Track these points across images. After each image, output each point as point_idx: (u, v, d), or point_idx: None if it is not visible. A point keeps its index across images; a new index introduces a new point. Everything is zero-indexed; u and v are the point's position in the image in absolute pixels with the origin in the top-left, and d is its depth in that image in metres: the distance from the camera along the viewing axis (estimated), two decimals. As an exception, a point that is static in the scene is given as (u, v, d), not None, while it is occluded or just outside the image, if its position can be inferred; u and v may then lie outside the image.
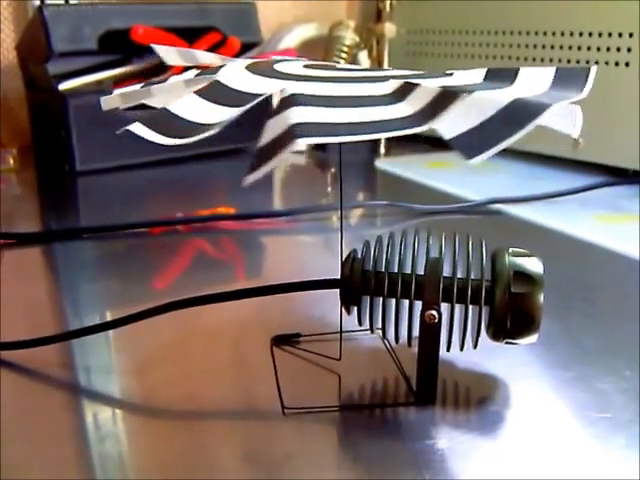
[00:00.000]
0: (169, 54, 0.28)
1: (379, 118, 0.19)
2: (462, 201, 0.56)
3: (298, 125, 0.18)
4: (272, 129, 0.18)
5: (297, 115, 0.18)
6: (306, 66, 0.25)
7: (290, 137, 0.17)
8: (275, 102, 0.20)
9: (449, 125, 0.18)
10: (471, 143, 0.17)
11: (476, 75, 0.23)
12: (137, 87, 0.25)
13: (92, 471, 0.23)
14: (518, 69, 0.23)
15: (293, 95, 0.20)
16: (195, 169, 0.71)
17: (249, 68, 0.25)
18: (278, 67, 0.25)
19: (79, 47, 0.67)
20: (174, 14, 0.72)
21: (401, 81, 0.21)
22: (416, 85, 0.21)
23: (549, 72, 0.22)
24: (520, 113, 0.18)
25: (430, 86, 0.20)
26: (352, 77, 0.23)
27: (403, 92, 0.21)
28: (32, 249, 0.47)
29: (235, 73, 0.24)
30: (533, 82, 0.22)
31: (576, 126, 0.19)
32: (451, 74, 0.23)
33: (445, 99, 0.19)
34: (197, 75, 0.25)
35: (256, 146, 0.18)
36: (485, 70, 0.24)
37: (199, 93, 0.22)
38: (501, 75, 0.22)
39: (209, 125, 0.20)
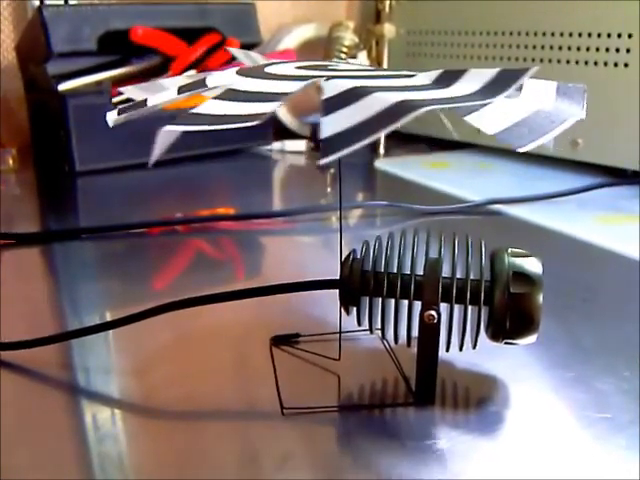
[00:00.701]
0: (240, 55, 0.30)
1: (252, 112, 0.19)
2: (461, 201, 0.56)
3: (190, 115, 0.18)
4: None
5: (201, 107, 0.19)
6: (298, 67, 0.25)
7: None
8: None
9: (330, 124, 0.18)
10: (333, 144, 0.17)
11: (428, 77, 0.23)
12: (151, 82, 0.26)
13: (91, 471, 0.23)
14: (465, 70, 0.22)
15: (227, 90, 0.20)
16: (194, 170, 0.71)
17: (239, 71, 0.25)
18: (267, 69, 0.25)
19: (78, 48, 0.67)
20: (173, 15, 0.72)
21: (315, 80, 0.21)
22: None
23: (491, 73, 0.22)
24: (390, 113, 0.18)
25: (332, 85, 0.20)
26: (301, 76, 0.23)
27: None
28: (31, 249, 0.47)
29: (222, 74, 0.24)
30: (470, 83, 0.21)
31: (526, 140, 0.19)
32: (412, 75, 0.23)
33: (344, 98, 0.19)
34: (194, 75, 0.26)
35: None
36: (439, 72, 0.23)
37: (179, 89, 0.23)
38: (448, 77, 0.22)
39: None
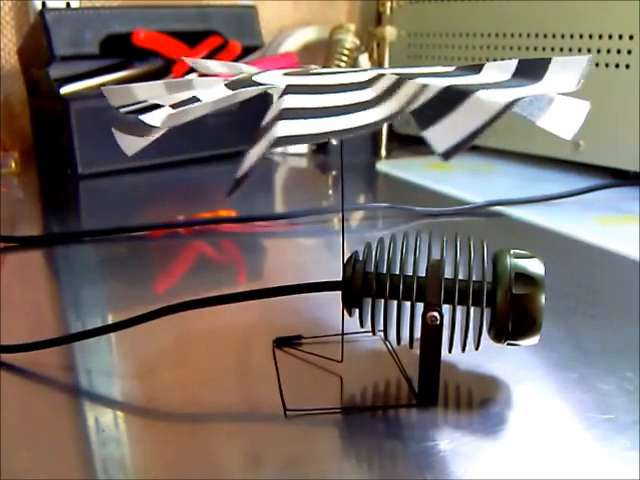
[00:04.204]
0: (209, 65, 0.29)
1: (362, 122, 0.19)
2: (463, 203, 0.56)
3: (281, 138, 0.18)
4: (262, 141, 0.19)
5: (281, 129, 0.19)
6: (286, 74, 0.25)
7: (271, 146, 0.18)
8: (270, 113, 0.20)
9: (441, 136, 0.18)
10: (452, 146, 0.17)
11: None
12: (121, 86, 0.25)
13: (94, 474, 0.23)
14: (483, 64, 0.23)
15: (284, 109, 0.20)
16: (196, 172, 0.71)
17: (227, 83, 0.25)
18: (256, 78, 0.25)
19: (80, 51, 0.67)
20: (175, 18, 0.73)
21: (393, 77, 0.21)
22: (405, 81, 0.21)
23: (511, 64, 0.22)
24: (484, 106, 0.18)
25: (431, 84, 0.20)
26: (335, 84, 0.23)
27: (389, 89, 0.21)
28: (34, 252, 0.47)
29: (213, 86, 0.24)
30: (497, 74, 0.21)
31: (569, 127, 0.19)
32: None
33: (443, 99, 0.19)
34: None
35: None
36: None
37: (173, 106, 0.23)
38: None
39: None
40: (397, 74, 0.21)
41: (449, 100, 0.19)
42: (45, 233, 0.54)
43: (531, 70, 0.22)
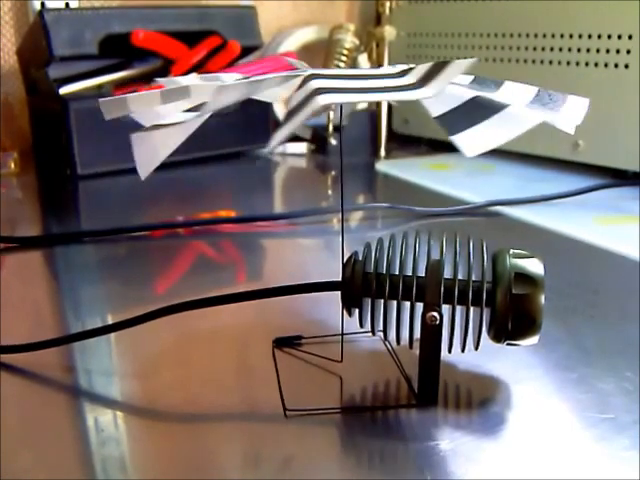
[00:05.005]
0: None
1: None
2: (462, 203, 0.56)
3: None
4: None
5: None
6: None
7: None
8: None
9: (279, 134, 0.19)
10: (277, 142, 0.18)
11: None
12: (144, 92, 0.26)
13: (94, 474, 0.23)
14: (412, 68, 0.23)
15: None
16: (195, 172, 0.71)
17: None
18: (253, 79, 0.25)
19: (80, 51, 0.67)
20: (174, 18, 0.73)
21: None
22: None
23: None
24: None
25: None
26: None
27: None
28: (33, 253, 0.47)
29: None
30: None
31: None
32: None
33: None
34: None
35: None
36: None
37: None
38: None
39: None
40: (310, 75, 0.21)
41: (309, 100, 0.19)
42: (45, 233, 0.54)
43: (429, 75, 0.22)
